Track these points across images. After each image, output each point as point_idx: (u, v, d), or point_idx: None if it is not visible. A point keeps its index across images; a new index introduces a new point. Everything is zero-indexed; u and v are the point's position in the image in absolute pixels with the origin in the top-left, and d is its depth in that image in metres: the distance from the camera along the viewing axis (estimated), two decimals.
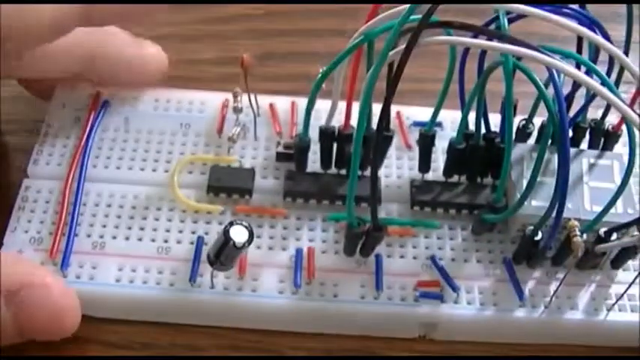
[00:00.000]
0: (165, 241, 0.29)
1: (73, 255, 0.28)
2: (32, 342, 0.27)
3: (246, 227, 0.25)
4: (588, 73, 0.26)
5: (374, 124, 0.27)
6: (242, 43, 0.39)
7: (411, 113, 0.34)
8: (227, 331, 0.29)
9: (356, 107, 0.25)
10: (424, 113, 0.33)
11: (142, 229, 0.29)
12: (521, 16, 0.26)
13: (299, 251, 0.29)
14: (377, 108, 0.25)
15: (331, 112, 0.29)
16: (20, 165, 0.32)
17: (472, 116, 0.29)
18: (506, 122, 0.27)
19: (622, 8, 0.29)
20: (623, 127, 0.30)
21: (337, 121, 0.30)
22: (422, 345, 0.29)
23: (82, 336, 0.28)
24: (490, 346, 0.29)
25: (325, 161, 0.31)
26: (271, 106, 0.33)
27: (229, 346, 0.29)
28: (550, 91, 0.25)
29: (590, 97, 0.30)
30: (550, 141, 0.28)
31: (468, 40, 0.25)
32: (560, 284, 0.28)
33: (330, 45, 0.33)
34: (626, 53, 0.28)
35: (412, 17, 0.24)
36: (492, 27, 0.27)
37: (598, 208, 0.28)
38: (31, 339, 0.27)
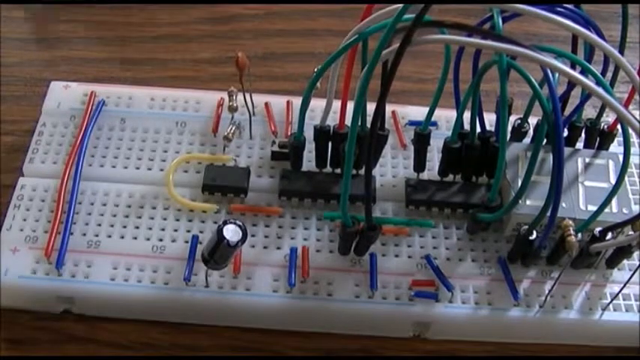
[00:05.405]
0: (160, 240, 0.29)
1: (68, 253, 0.28)
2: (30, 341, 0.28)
3: (239, 226, 0.25)
4: (583, 72, 0.26)
5: (369, 124, 0.27)
6: (242, 43, 0.39)
7: (407, 112, 0.34)
8: (227, 331, 0.29)
9: (351, 106, 0.25)
10: (419, 112, 0.33)
11: (136, 227, 0.30)
12: (515, 15, 0.26)
13: (293, 250, 0.29)
14: (373, 107, 0.25)
15: (326, 111, 0.29)
16: (16, 164, 0.32)
17: (467, 115, 0.29)
18: (500, 121, 0.27)
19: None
20: (619, 127, 0.30)
21: (333, 120, 0.30)
22: (421, 344, 0.29)
23: (78, 335, 0.29)
24: (485, 345, 0.29)
25: (320, 160, 0.31)
26: (267, 105, 0.33)
27: (229, 346, 0.29)
28: (545, 91, 0.25)
29: (586, 96, 0.30)
30: (545, 140, 0.28)
31: (462, 38, 0.25)
32: (555, 283, 0.28)
33: (330, 45, 0.33)
34: (622, 52, 0.28)
35: (406, 16, 0.24)
36: (487, 26, 0.27)
37: (593, 208, 0.28)
38: None
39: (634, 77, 0.25)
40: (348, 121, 0.28)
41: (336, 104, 0.29)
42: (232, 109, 0.31)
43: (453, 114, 0.29)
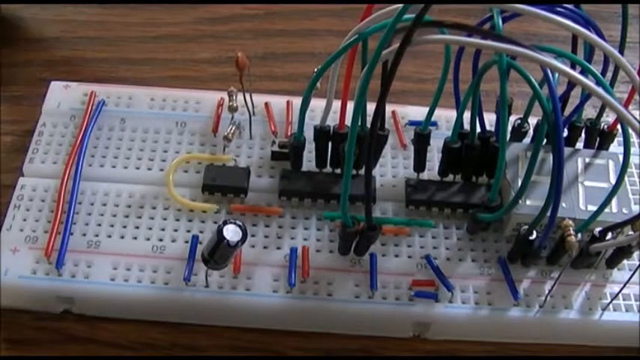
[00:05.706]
0: (160, 240, 0.29)
1: (68, 254, 0.28)
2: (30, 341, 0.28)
3: (239, 226, 0.25)
4: (583, 72, 0.26)
5: (369, 124, 0.27)
6: (242, 43, 0.39)
7: (407, 112, 0.34)
8: (227, 331, 0.29)
9: (351, 106, 0.25)
10: (419, 112, 0.33)
11: (136, 227, 0.30)
12: (515, 15, 0.26)
13: (293, 250, 0.29)
14: (373, 107, 0.25)
15: (326, 111, 0.29)
16: (16, 164, 0.32)
17: (467, 115, 0.29)
18: (500, 121, 0.27)
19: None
20: (619, 127, 0.30)
21: (333, 120, 0.30)
22: (421, 344, 0.29)
23: (78, 335, 0.29)
24: (485, 345, 0.29)
25: (320, 160, 0.31)
26: (266, 105, 0.33)
27: (229, 346, 0.29)
28: (545, 91, 0.25)
29: (586, 96, 0.30)
30: (545, 140, 0.28)
31: (462, 38, 0.25)
32: (554, 284, 0.28)
33: (330, 45, 0.33)
34: (622, 52, 0.28)
35: (406, 16, 0.24)
36: (487, 26, 0.27)
37: (593, 208, 0.28)
38: None
39: (634, 77, 0.25)
40: (348, 121, 0.28)
41: (336, 104, 0.29)
42: (232, 109, 0.31)
43: (453, 114, 0.29)
